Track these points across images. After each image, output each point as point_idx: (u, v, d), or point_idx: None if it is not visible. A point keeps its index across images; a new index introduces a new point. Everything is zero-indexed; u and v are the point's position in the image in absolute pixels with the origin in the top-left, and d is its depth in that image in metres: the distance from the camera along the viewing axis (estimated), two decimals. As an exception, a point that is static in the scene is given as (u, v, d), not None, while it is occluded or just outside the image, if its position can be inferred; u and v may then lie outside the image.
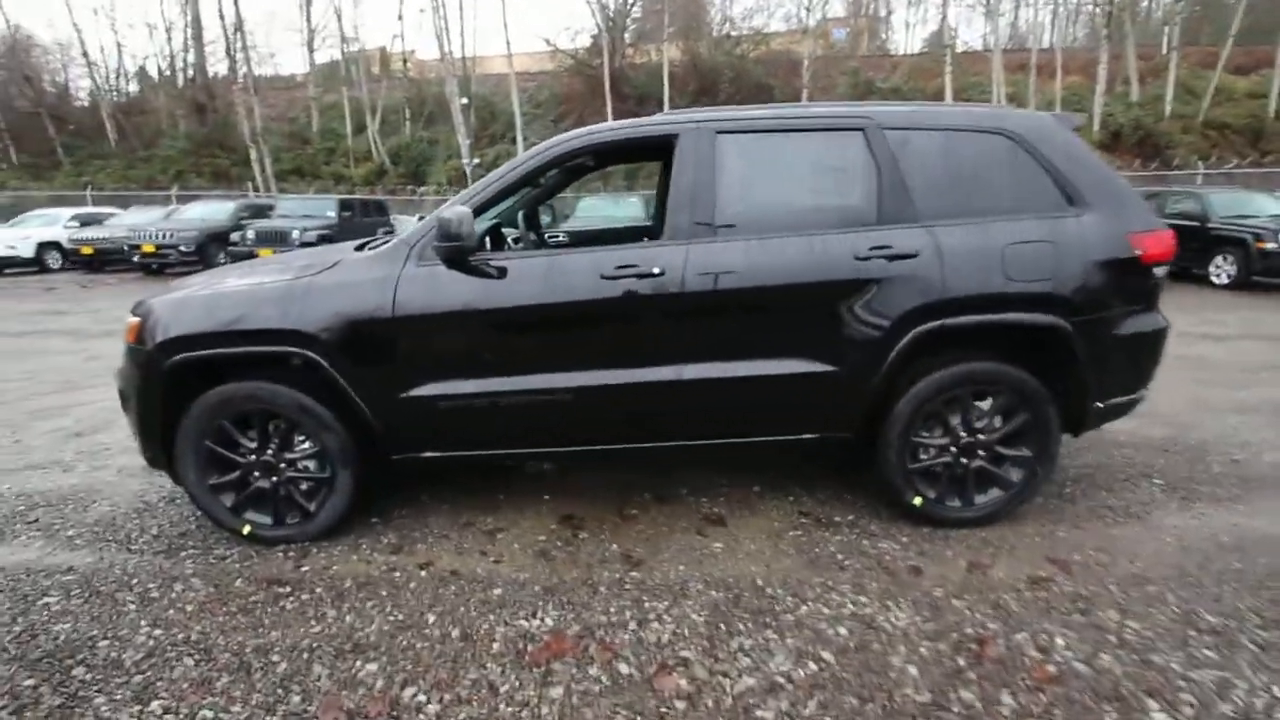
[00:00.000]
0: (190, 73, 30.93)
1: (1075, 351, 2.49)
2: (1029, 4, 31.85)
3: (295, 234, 12.43)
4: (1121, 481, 3.16)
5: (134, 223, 14.84)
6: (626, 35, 28.00)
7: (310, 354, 2.41)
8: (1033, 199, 2.51)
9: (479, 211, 2.53)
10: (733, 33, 27.58)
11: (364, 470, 2.59)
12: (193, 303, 2.51)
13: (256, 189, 24.48)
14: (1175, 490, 3.06)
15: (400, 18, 40.46)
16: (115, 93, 32.11)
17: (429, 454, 2.59)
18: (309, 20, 28.83)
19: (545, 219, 4.43)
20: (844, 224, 2.48)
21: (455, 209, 2.37)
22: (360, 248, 2.74)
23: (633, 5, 28.48)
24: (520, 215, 3.45)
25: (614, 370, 2.48)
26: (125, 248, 13.53)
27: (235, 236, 12.93)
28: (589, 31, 28.62)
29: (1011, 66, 24.48)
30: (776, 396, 2.52)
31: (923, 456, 2.62)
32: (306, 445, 2.58)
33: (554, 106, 27.44)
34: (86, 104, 31.42)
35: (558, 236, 4.16)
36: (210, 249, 13.20)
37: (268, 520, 2.62)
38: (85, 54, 31.94)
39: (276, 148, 27.25)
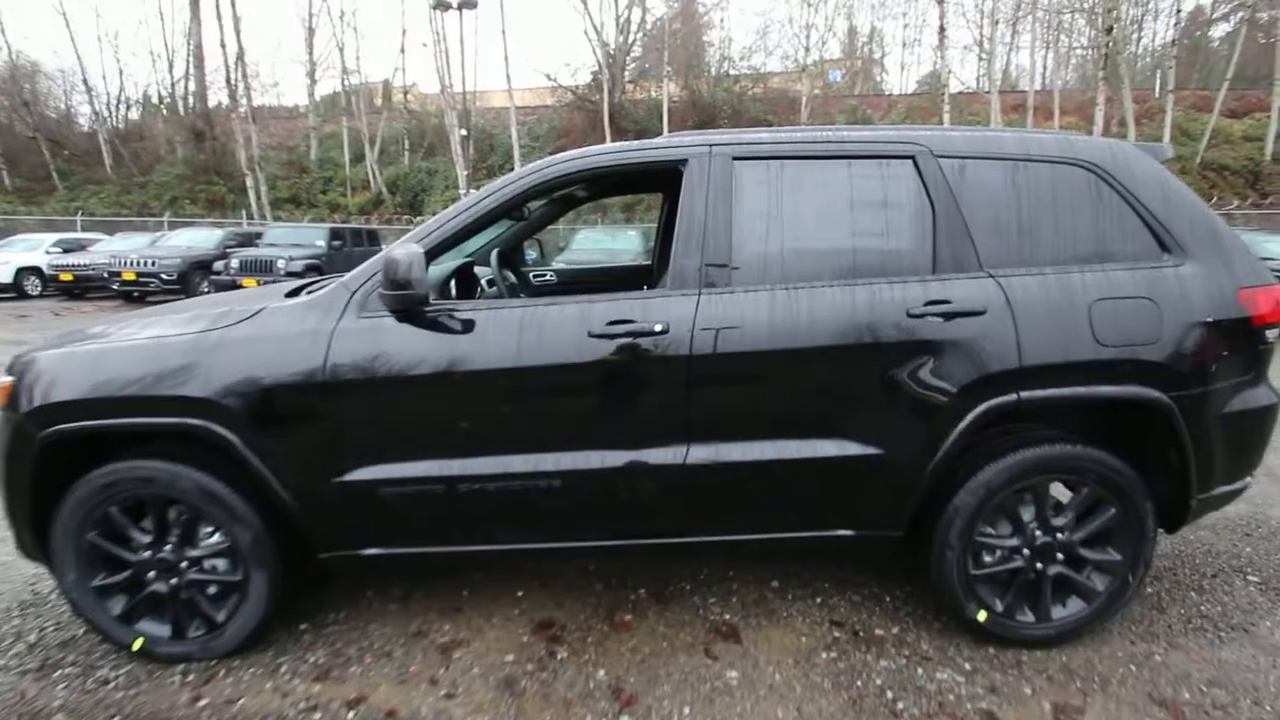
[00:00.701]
0: (190, 100, 31.01)
1: (1178, 432, 2.00)
2: (1019, 48, 32.35)
3: (281, 263, 12.01)
4: (1210, 578, 2.63)
5: (117, 249, 14.43)
6: (626, 73, 28.19)
7: (216, 427, 1.90)
8: (1120, 244, 2.05)
9: (440, 250, 2.05)
10: (731, 71, 27.77)
11: (285, 571, 2.06)
12: (74, 361, 2.00)
13: (251, 216, 24.20)
14: (1274, 590, 2.54)
15: (402, 51, 40.76)
16: (115, 119, 32.12)
17: (370, 551, 2.06)
18: (311, 52, 28.96)
19: (533, 254, 3.95)
20: (890, 272, 2.01)
21: (405, 248, 1.88)
22: (295, 292, 2.24)
23: (633, 44, 28.77)
24: (496, 253, 2.98)
25: (601, 451, 1.98)
26: (106, 274, 13.09)
27: (219, 265, 12.51)
28: (589, 68, 28.80)
29: (1007, 107, 24.63)
30: (806, 485, 2.02)
31: (988, 560, 2.10)
32: (214, 540, 2.05)
33: (553, 139, 27.43)
34: (86, 130, 31.38)
35: (546, 276, 3.68)
36: (193, 278, 12.80)
37: (165, 633, 2.08)
38: (85, 80, 31.99)
39: (273, 175, 27.09)
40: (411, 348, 1.94)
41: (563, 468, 1.97)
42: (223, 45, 25.29)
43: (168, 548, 2.04)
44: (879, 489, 2.02)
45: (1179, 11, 22.84)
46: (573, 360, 1.93)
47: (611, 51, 27.69)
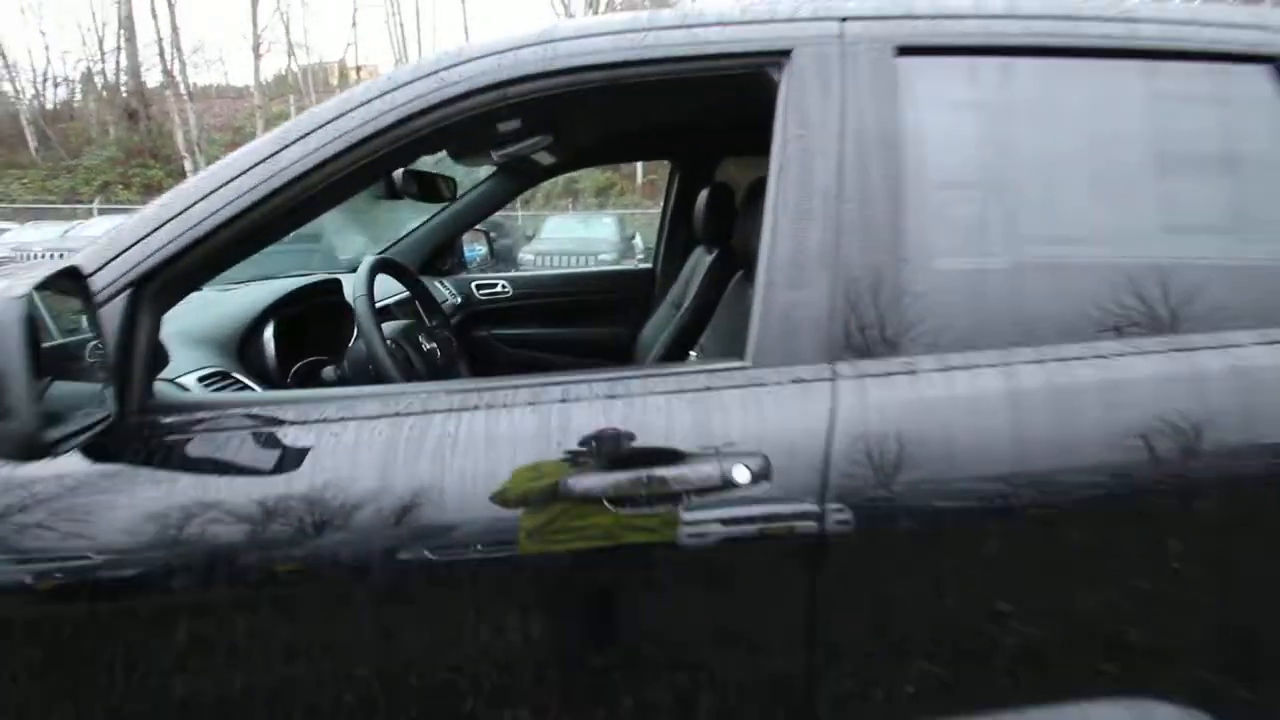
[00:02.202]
0: (122, 77, 28.65)
1: None
2: None
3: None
4: None
5: (24, 241, 12.77)
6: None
7: None
8: None
9: (161, 288, 0.83)
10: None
11: None
12: None
13: (190, 203, 22.25)
14: None
15: (354, 25, 38.47)
16: (40, 97, 29.56)
17: None
18: (255, 25, 26.75)
19: (477, 251, 2.73)
20: (1271, 312, 0.87)
21: None
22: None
23: (600, 10, 27.26)
24: (371, 264, 1.52)
25: None
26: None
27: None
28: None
29: None
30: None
31: None
32: None
33: (521, 120, 25.80)
34: (8, 110, 28.77)
35: (496, 288, 2.47)
36: (107, 273, 11.19)
37: None
38: (4, 56, 29.13)
39: (215, 158, 24.90)
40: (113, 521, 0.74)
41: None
42: (154, 15, 23.14)
43: None
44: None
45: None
46: (475, 555, 0.77)
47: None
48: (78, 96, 29.88)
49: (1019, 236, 0.88)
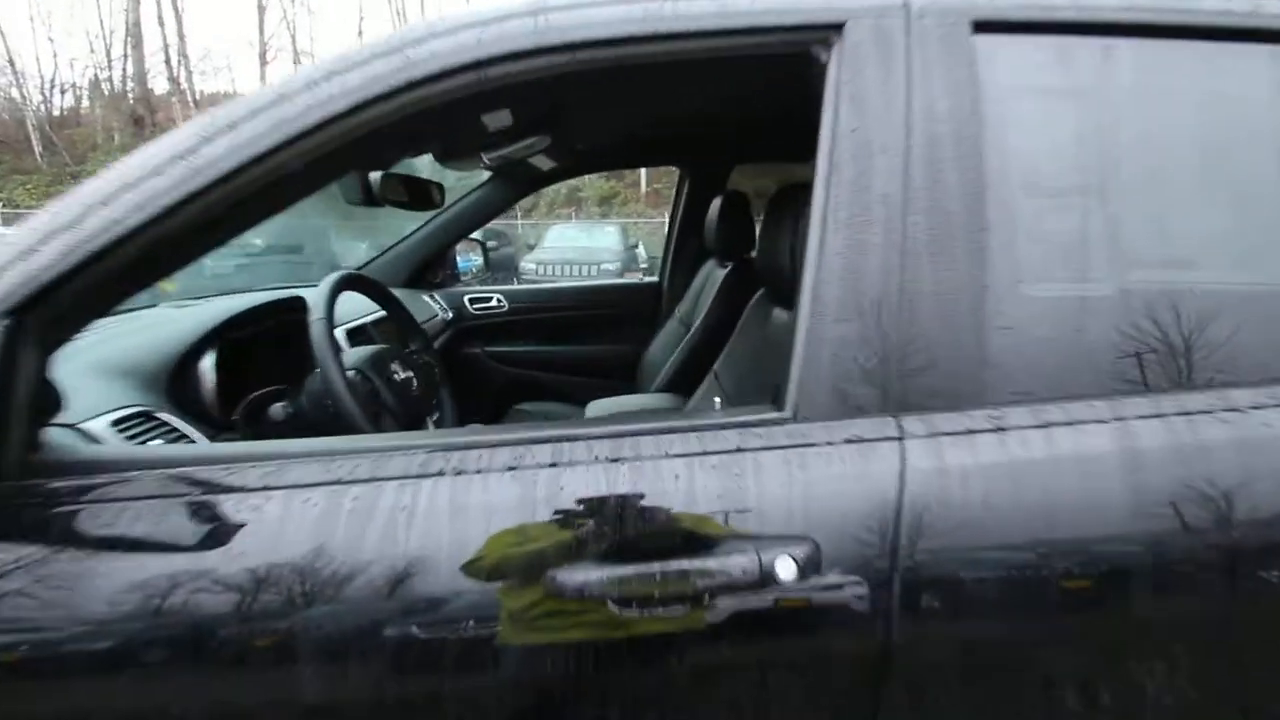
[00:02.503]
0: (129, 84, 28.78)
1: None
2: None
3: (208, 263, 10.41)
4: None
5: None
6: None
7: None
8: None
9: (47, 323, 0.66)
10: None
11: None
12: None
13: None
14: None
15: (360, 35, 38.67)
16: (46, 104, 29.68)
17: None
18: (262, 32, 26.84)
19: (472, 261, 2.56)
20: None
21: None
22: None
23: None
24: (336, 281, 1.24)
25: None
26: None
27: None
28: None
29: None
30: None
31: None
32: None
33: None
34: (14, 115, 28.89)
35: (491, 302, 2.30)
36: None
37: None
38: (12, 63, 29.21)
39: (220, 165, 25.09)
40: None
41: None
42: (160, 22, 23.22)
43: None
44: None
45: None
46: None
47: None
48: (84, 103, 29.95)
49: (1129, 256, 0.70)
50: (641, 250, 11.31)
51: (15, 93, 28.88)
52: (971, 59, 0.70)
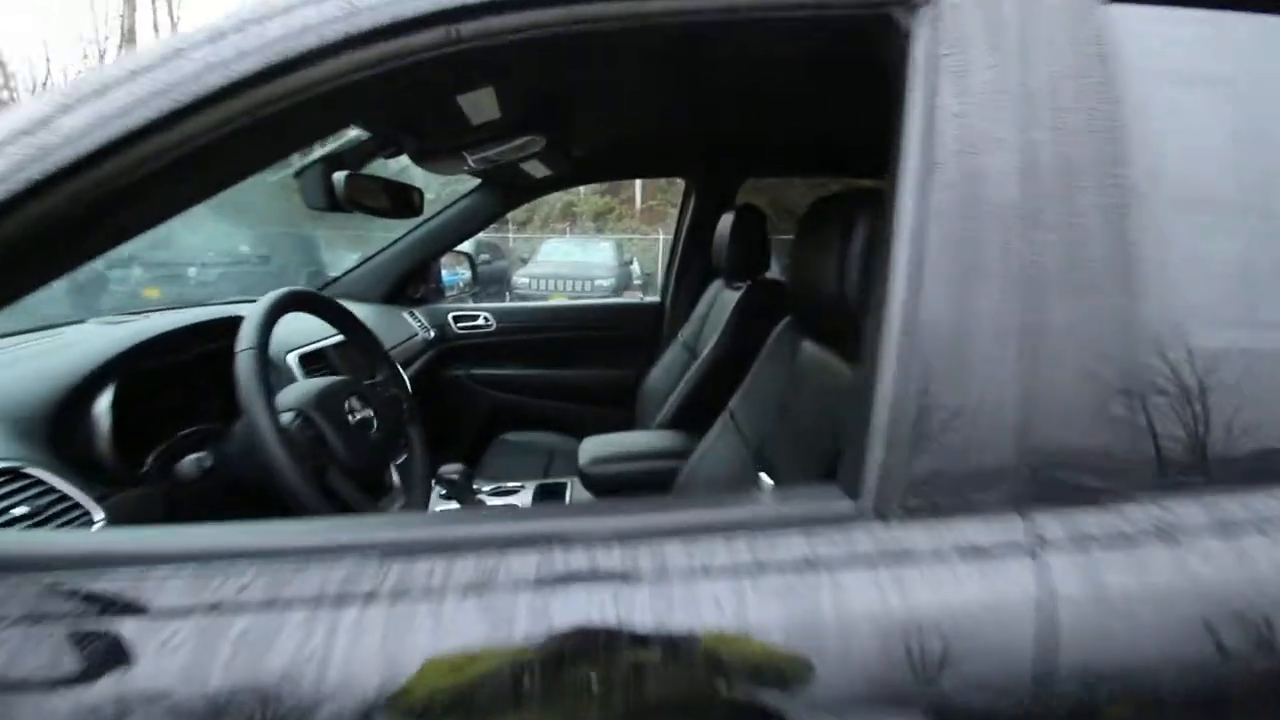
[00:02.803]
0: (123, 90, 28.72)
1: None
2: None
3: (192, 271, 10.22)
4: None
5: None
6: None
7: None
8: None
9: None
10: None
11: None
12: None
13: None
14: None
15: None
16: (37, 108, 29.50)
17: None
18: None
19: (459, 275, 2.36)
20: None
21: None
22: None
23: None
24: (270, 302, 0.96)
25: None
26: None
27: (117, 275, 10.59)
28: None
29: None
30: None
31: None
32: None
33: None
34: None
35: (478, 321, 2.10)
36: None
37: None
38: (3, 66, 28.99)
39: (212, 173, 24.92)
40: None
41: None
42: (155, 28, 23.07)
43: None
44: None
45: None
46: None
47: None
48: (76, 108, 29.70)
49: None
50: (636, 266, 11.23)
51: (6, 94, 28.59)
52: (1100, 33, 0.52)
